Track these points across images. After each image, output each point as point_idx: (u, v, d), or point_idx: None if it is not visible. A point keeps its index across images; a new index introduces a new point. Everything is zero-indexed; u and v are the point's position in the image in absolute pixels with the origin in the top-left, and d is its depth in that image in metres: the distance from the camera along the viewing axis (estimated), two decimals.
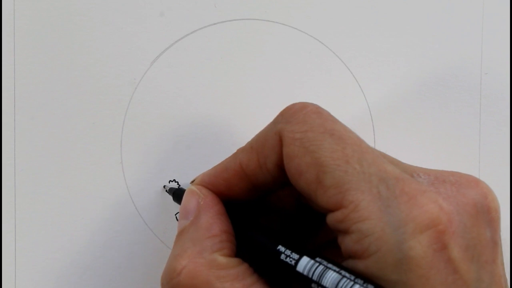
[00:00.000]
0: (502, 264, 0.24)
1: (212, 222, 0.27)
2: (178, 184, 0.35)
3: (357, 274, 0.23)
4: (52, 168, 0.34)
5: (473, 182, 0.25)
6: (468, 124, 0.37)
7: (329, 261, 0.24)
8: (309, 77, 0.36)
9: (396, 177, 0.23)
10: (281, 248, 0.25)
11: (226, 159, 0.28)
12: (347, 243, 0.23)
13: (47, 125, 0.34)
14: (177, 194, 0.33)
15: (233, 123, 0.36)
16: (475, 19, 0.38)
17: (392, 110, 0.37)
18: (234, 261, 0.26)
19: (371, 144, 0.37)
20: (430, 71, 0.37)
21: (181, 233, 0.27)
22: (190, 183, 0.29)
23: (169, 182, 0.35)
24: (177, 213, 0.35)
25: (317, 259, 0.24)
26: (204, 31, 0.35)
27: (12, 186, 0.34)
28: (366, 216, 0.23)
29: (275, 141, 0.26)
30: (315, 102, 0.37)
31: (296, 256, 0.24)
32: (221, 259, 0.25)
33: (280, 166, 0.26)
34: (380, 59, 0.37)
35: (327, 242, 0.28)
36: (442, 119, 0.37)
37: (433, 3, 0.37)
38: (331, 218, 0.24)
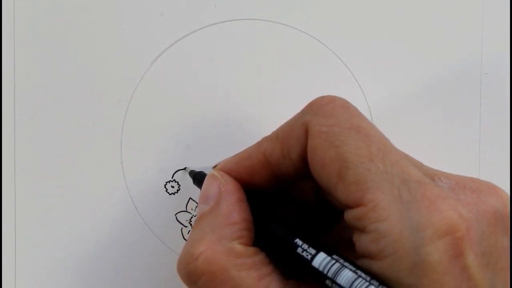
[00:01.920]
0: None
1: (232, 210, 0.27)
2: (178, 183, 0.35)
3: (373, 275, 0.23)
4: (52, 168, 0.34)
5: (493, 190, 0.25)
6: (468, 124, 0.37)
7: (345, 260, 0.24)
8: (309, 77, 0.36)
9: (418, 181, 0.23)
10: (298, 241, 0.25)
11: (250, 147, 0.28)
12: (362, 242, 0.23)
13: (47, 125, 0.34)
14: (198, 177, 0.33)
15: (233, 123, 0.36)
16: (475, 19, 0.38)
17: (392, 110, 0.37)
18: (252, 250, 0.26)
19: None
20: (430, 71, 0.37)
21: (200, 218, 0.27)
22: (212, 168, 0.29)
23: (169, 182, 0.35)
24: (177, 213, 0.35)
25: (334, 256, 0.24)
26: (204, 31, 0.35)
27: (12, 186, 0.34)
28: (385, 216, 0.23)
29: (301, 132, 0.26)
30: None
31: (313, 251, 0.25)
32: (239, 247, 0.25)
33: (304, 158, 0.26)
34: (380, 59, 0.37)
35: (341, 239, 0.28)
36: (442, 119, 0.37)
37: (433, 3, 0.37)
38: (349, 215, 0.24)
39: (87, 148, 0.34)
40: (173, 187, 0.35)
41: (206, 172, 0.30)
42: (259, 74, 0.36)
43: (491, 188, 0.25)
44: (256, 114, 0.36)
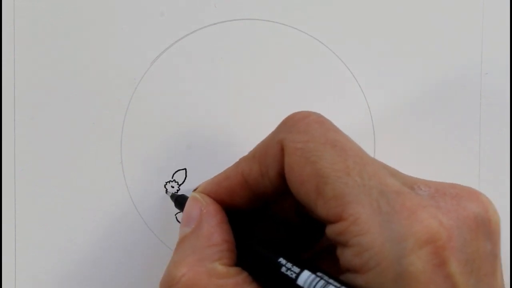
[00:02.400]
0: (501, 276, 0.24)
1: (214, 231, 0.27)
2: (178, 183, 0.35)
3: None
4: (52, 168, 0.34)
5: (474, 195, 0.25)
6: (468, 124, 0.37)
7: (330, 277, 0.24)
8: (309, 77, 0.36)
9: (396, 191, 0.23)
10: (282, 260, 0.25)
11: (228, 168, 0.28)
12: (346, 256, 0.23)
13: (47, 125, 0.34)
14: (179, 200, 0.33)
15: (233, 123, 0.36)
16: (475, 19, 0.38)
17: (392, 110, 0.37)
18: (234, 270, 0.26)
19: (371, 143, 0.37)
20: (430, 71, 0.37)
21: (182, 240, 0.27)
22: (193, 191, 0.29)
23: (169, 182, 0.35)
24: (177, 213, 0.35)
25: (318, 273, 0.24)
26: (204, 31, 0.35)
27: (12, 186, 0.34)
28: (366, 230, 0.23)
29: (277, 150, 0.26)
30: (314, 102, 0.37)
31: (297, 269, 0.24)
32: (221, 268, 0.25)
33: (282, 175, 0.26)
34: (380, 59, 0.37)
35: (325, 253, 0.28)
36: (442, 119, 0.37)
37: (433, 3, 0.37)
38: (331, 230, 0.24)
39: (87, 148, 0.34)
40: (173, 187, 0.35)
41: (188, 195, 0.30)
42: (259, 74, 0.36)
43: (471, 194, 0.25)
44: (256, 114, 0.36)
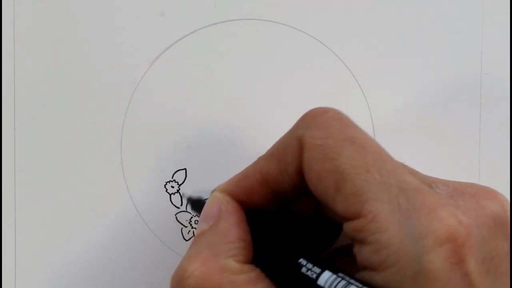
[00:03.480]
0: None
1: (231, 229, 0.27)
2: (178, 183, 0.35)
3: None
4: (52, 168, 0.34)
5: (492, 194, 0.25)
6: (468, 124, 0.37)
7: (351, 277, 0.24)
8: (309, 77, 0.36)
9: (416, 189, 0.23)
10: (302, 261, 0.25)
11: (247, 167, 0.28)
12: (363, 253, 0.23)
13: (47, 125, 0.34)
14: (195, 204, 0.33)
15: (233, 123, 0.36)
16: (475, 19, 0.38)
17: (392, 110, 0.37)
18: (247, 267, 0.26)
19: None
20: (430, 71, 0.37)
21: (198, 236, 0.27)
22: (212, 192, 0.29)
23: (169, 182, 0.35)
24: (177, 213, 0.35)
25: (340, 274, 0.24)
26: (204, 31, 0.35)
27: (12, 186, 0.34)
28: (385, 227, 0.23)
29: (296, 146, 0.26)
30: (314, 102, 0.37)
31: (318, 270, 0.24)
32: (235, 264, 0.25)
33: (301, 173, 0.26)
34: (380, 59, 0.37)
35: (342, 251, 0.28)
36: (442, 119, 0.37)
37: (433, 3, 0.37)
38: (349, 227, 0.24)
39: (87, 148, 0.34)
40: (173, 187, 0.35)
41: (204, 197, 0.30)
42: (259, 74, 0.36)
43: (489, 193, 0.25)
44: (256, 114, 0.36)
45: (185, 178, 0.35)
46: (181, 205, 0.35)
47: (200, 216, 0.28)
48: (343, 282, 0.24)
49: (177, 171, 0.35)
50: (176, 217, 0.35)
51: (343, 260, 0.26)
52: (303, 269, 0.25)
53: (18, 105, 0.34)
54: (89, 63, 0.34)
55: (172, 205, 0.35)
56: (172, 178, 0.35)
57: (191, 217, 0.35)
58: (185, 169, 0.35)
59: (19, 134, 0.34)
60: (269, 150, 0.28)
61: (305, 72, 0.36)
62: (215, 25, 0.36)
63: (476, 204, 0.24)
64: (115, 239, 0.34)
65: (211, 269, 0.25)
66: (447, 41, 0.37)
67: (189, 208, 0.34)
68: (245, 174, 0.28)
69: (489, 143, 0.38)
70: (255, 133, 0.35)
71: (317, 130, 0.25)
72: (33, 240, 0.34)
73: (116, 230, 0.34)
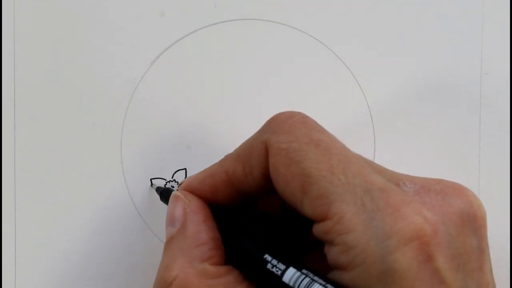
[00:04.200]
0: (490, 271, 0.24)
1: (200, 230, 0.27)
2: (178, 183, 0.35)
3: None
4: (52, 168, 0.34)
5: (458, 190, 0.25)
6: (468, 124, 0.37)
7: (315, 274, 0.24)
8: (309, 77, 0.36)
9: (380, 188, 0.23)
10: (267, 257, 0.25)
11: (213, 164, 0.28)
12: (332, 254, 0.23)
13: (47, 125, 0.34)
14: (164, 194, 0.33)
15: (233, 123, 0.36)
16: (475, 19, 0.38)
17: (392, 109, 0.37)
18: (224, 269, 0.26)
19: (371, 143, 0.37)
20: (430, 71, 0.37)
21: (169, 242, 0.27)
22: (177, 186, 0.29)
23: (168, 182, 0.35)
24: None
25: (304, 270, 0.24)
26: (204, 31, 0.35)
27: (12, 186, 0.34)
28: (351, 228, 0.23)
29: (261, 151, 0.26)
30: (314, 102, 0.37)
31: (282, 266, 0.25)
32: (211, 268, 0.25)
33: (266, 176, 0.26)
34: (380, 59, 0.37)
35: (314, 246, 0.28)
36: (442, 119, 0.37)
37: (433, 3, 0.37)
38: (317, 229, 0.24)
39: (87, 148, 0.34)
40: (173, 187, 0.35)
41: (172, 189, 0.30)
42: (259, 74, 0.36)
43: (456, 189, 0.25)
44: (256, 114, 0.36)
45: (185, 178, 0.35)
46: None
47: (166, 218, 0.28)
48: (307, 280, 0.24)
49: (177, 171, 0.35)
50: None
51: (316, 257, 0.26)
52: (268, 265, 0.25)
53: (18, 105, 0.34)
54: (89, 63, 0.34)
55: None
56: (172, 178, 0.35)
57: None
58: (185, 169, 0.35)
59: (19, 134, 0.34)
60: (235, 151, 0.28)
61: (305, 72, 0.36)
62: (215, 25, 0.36)
63: (442, 201, 0.24)
64: (115, 239, 0.34)
65: (189, 276, 0.25)
66: (447, 41, 0.37)
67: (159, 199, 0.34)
68: (211, 172, 0.28)
69: (489, 143, 0.38)
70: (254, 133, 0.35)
71: (283, 134, 0.25)
72: (33, 240, 0.34)
73: (116, 230, 0.34)
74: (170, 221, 0.28)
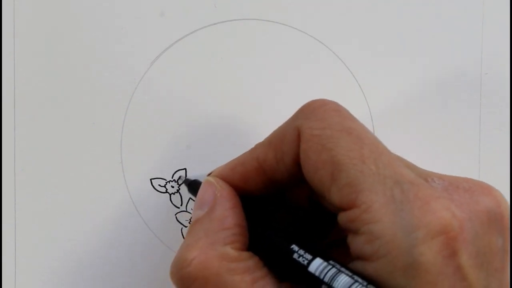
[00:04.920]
0: (510, 272, 0.24)
1: (227, 215, 0.27)
2: (178, 183, 0.35)
3: (369, 280, 0.23)
4: (52, 168, 0.34)
5: (487, 190, 0.25)
6: (468, 124, 0.37)
7: (342, 265, 0.24)
8: (309, 77, 0.36)
9: (410, 181, 0.23)
10: (294, 247, 0.25)
11: (244, 153, 0.28)
12: (357, 243, 0.23)
13: (47, 125, 0.34)
14: (192, 185, 0.33)
15: (233, 123, 0.36)
16: (475, 19, 0.38)
17: (392, 110, 0.37)
18: (245, 254, 0.26)
19: None
20: (430, 71, 0.37)
21: (195, 223, 0.27)
22: (207, 175, 0.29)
23: (168, 182, 0.35)
24: (177, 213, 0.35)
25: (331, 261, 0.24)
26: (204, 31, 0.35)
27: (12, 186, 0.34)
28: (378, 218, 0.23)
29: (294, 136, 0.26)
30: None
31: (309, 256, 0.25)
32: (233, 252, 0.25)
33: (297, 162, 0.26)
34: (380, 59, 0.37)
35: (336, 241, 0.28)
36: (442, 119, 0.37)
37: (433, 3, 0.37)
38: (343, 217, 0.24)
39: (87, 148, 0.34)
40: (173, 187, 0.35)
41: (201, 180, 0.30)
42: (259, 74, 0.36)
43: (484, 188, 0.25)
44: (256, 114, 0.36)
45: (185, 178, 0.35)
46: (181, 205, 0.35)
47: (195, 202, 0.28)
48: (333, 270, 0.24)
49: (177, 171, 0.35)
50: (176, 217, 0.35)
51: (338, 251, 0.26)
52: (295, 255, 0.25)
53: (18, 105, 0.34)
54: (89, 63, 0.34)
55: (172, 205, 0.35)
56: (172, 178, 0.35)
57: (191, 217, 0.35)
58: (185, 169, 0.35)
59: (19, 134, 0.34)
60: (267, 138, 0.28)
61: (305, 72, 0.36)
62: (215, 25, 0.36)
63: (470, 199, 0.24)
64: (115, 239, 0.34)
65: (210, 257, 0.25)
66: (447, 41, 0.37)
67: (188, 194, 0.33)
68: (242, 160, 0.28)
69: (489, 143, 0.38)
70: (254, 133, 0.35)
71: (315, 121, 0.25)
72: (33, 240, 0.34)
73: (116, 230, 0.34)
74: (200, 204, 0.28)
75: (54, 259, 0.34)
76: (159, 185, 0.35)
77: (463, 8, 0.38)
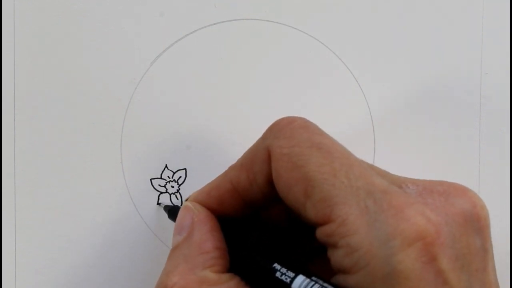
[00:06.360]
0: (494, 271, 0.24)
1: (205, 239, 0.27)
2: (178, 183, 0.35)
3: None
4: (52, 168, 0.34)
5: (461, 191, 0.25)
6: (468, 124, 0.37)
7: (324, 281, 0.24)
8: (309, 77, 0.36)
9: (383, 190, 0.23)
10: (276, 265, 0.25)
11: (218, 176, 0.29)
12: (336, 257, 0.23)
13: (47, 125, 0.34)
14: (172, 212, 0.33)
15: (233, 123, 0.36)
16: (475, 19, 0.38)
17: (392, 110, 0.37)
18: (225, 276, 0.26)
19: (371, 143, 0.37)
20: (430, 71, 0.37)
21: (174, 249, 0.28)
22: (185, 200, 0.30)
23: (168, 182, 0.35)
24: (177, 213, 0.35)
25: (313, 278, 0.24)
26: (204, 31, 0.35)
27: (12, 186, 0.34)
28: (354, 230, 0.23)
29: (264, 156, 0.26)
30: (314, 103, 0.37)
31: (291, 274, 0.25)
32: (212, 275, 0.26)
33: (270, 182, 0.26)
34: (380, 59, 0.37)
35: (318, 254, 0.28)
36: (442, 119, 0.37)
37: (433, 3, 0.37)
38: (320, 232, 0.24)
39: (87, 148, 0.34)
40: (173, 187, 0.35)
41: (180, 206, 0.30)
42: (259, 74, 0.36)
43: (458, 190, 0.25)
44: (255, 114, 0.36)
45: (185, 178, 0.35)
46: (181, 205, 0.35)
47: (174, 228, 0.29)
48: (316, 286, 0.24)
49: (177, 171, 0.35)
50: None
51: (319, 265, 0.26)
52: (277, 274, 0.25)
53: (18, 105, 0.34)
54: (89, 63, 0.34)
55: (172, 205, 0.35)
56: (172, 178, 0.35)
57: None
58: (185, 169, 0.35)
59: (19, 134, 0.34)
60: (238, 160, 0.28)
61: (305, 72, 0.36)
62: (215, 25, 0.36)
63: (445, 202, 0.24)
64: (115, 239, 0.34)
65: (190, 282, 0.25)
66: (447, 41, 0.37)
67: (168, 217, 0.34)
68: (216, 184, 0.29)
69: (489, 143, 0.38)
70: (255, 133, 0.35)
71: (284, 139, 0.26)
72: (33, 240, 0.34)
73: (116, 230, 0.34)
74: (178, 230, 0.28)
75: (54, 259, 0.34)
76: (159, 185, 0.35)
77: (463, 8, 0.38)
